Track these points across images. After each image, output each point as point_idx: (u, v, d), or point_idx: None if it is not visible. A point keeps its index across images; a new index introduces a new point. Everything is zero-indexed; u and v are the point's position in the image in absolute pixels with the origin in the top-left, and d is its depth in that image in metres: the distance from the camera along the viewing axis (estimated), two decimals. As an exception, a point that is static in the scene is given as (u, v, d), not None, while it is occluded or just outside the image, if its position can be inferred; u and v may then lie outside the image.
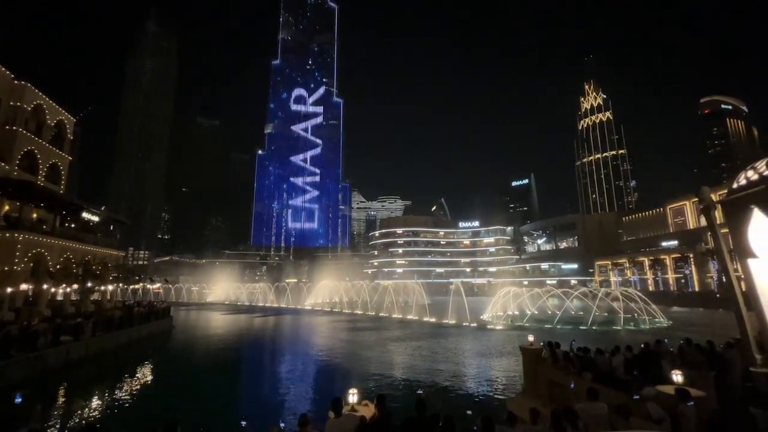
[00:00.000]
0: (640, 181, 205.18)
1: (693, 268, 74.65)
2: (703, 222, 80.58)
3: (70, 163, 40.86)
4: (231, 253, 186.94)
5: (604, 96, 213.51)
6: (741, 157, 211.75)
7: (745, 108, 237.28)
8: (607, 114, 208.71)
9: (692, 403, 6.92)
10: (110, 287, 41.35)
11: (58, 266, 31.54)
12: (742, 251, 2.81)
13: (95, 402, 16.39)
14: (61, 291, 36.58)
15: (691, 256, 75.08)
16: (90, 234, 39.39)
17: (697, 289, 72.21)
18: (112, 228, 48.06)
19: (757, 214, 2.68)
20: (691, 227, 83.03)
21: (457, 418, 5.90)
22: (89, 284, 33.41)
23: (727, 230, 4.40)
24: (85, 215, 38.81)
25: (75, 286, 34.02)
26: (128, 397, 17.22)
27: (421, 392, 6.58)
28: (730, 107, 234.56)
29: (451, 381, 19.10)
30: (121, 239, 55.54)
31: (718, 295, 64.69)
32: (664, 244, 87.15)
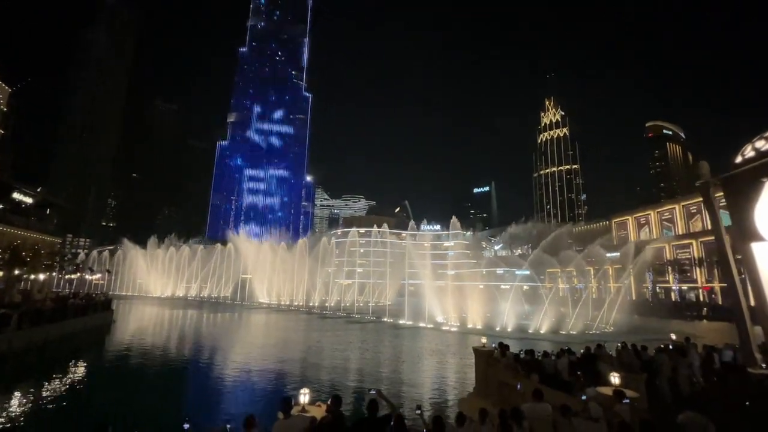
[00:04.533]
0: (590, 195, 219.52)
1: (631, 278, 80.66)
2: (643, 236, 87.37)
3: (1, 138, 36.93)
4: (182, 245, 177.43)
5: (562, 113, 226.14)
6: (677, 179, 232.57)
7: (682, 134, 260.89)
8: (564, 130, 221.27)
9: (627, 401, 7.44)
10: (42, 276, 37.81)
11: (-21, 251, 28.41)
12: (746, 234, 2.60)
13: (14, 403, 14.82)
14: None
15: (631, 267, 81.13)
16: (21, 217, 35.80)
17: (634, 297, 78.14)
18: (48, 212, 43.96)
19: None
20: (632, 240, 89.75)
21: (408, 419, 5.88)
22: (17, 272, 30.36)
23: (727, 210, 3.83)
24: (17, 196, 35.23)
25: (0, 273, 30.75)
26: (53, 398, 15.76)
27: (373, 392, 6.50)
28: (670, 132, 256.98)
29: (405, 381, 19.24)
30: (59, 224, 50.95)
31: (651, 304, 70.36)
32: (609, 255, 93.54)
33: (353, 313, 53.06)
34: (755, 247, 2.79)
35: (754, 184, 2.68)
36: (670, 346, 13.81)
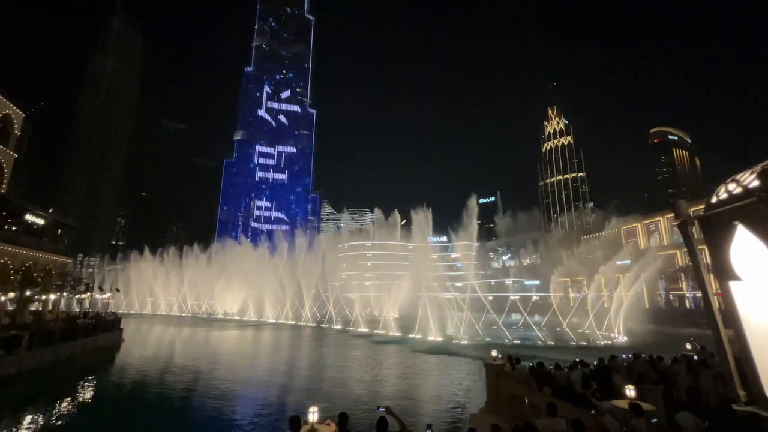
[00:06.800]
0: (597, 203, 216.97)
1: (644, 285, 79.12)
2: (653, 242, 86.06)
3: (15, 161, 37.79)
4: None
5: (566, 121, 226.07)
6: (685, 184, 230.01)
7: (688, 139, 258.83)
8: (569, 138, 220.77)
9: (656, 420, 7.15)
10: (53, 296, 38.11)
11: (-8, 272, 28.78)
12: (723, 272, 2.56)
13: (25, 423, 14.81)
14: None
15: (642, 274, 79.70)
16: (33, 238, 36.36)
17: (647, 306, 76.52)
18: (59, 232, 44.59)
19: (741, 231, 2.44)
20: (642, 248, 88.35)
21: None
22: (28, 293, 30.67)
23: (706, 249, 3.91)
24: (29, 217, 35.86)
25: (12, 294, 31.08)
26: (63, 419, 15.73)
27: (382, 409, 6.40)
28: (676, 138, 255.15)
29: (415, 397, 18.91)
30: (70, 245, 51.57)
31: (665, 312, 68.97)
32: (618, 263, 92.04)
33: (360, 327, 52.64)
34: (733, 285, 2.68)
35: (727, 226, 2.59)
36: (695, 357, 13.42)
